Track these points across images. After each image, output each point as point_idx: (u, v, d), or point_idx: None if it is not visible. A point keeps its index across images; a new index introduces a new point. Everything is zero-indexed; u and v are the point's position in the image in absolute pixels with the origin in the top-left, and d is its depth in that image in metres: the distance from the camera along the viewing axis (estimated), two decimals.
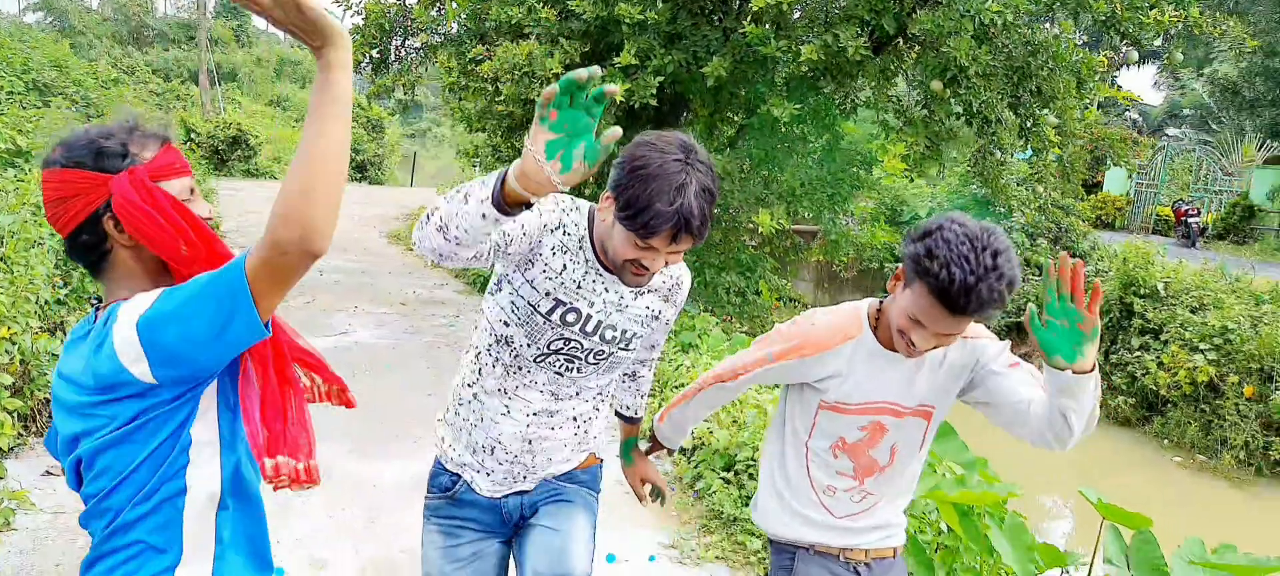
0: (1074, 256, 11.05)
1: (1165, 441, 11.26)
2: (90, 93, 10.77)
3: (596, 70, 1.32)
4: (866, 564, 1.98)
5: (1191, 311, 11.64)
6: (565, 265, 1.76)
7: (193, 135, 20.43)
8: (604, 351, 1.84)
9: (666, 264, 1.70)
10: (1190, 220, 18.77)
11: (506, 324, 1.80)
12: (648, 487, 2.22)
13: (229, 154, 21.19)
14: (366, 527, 3.74)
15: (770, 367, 1.90)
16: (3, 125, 6.92)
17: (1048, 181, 7.60)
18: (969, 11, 6.65)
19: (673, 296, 1.92)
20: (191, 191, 1.42)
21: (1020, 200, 8.72)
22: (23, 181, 6.21)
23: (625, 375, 2.15)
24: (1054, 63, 6.96)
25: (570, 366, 1.83)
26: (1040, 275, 16.21)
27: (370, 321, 8.03)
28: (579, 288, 1.77)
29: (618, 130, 1.36)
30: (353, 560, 3.43)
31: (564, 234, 1.76)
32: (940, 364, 1.85)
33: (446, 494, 1.94)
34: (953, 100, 7.01)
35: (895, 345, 1.79)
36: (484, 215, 1.47)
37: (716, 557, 3.76)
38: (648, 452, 2.27)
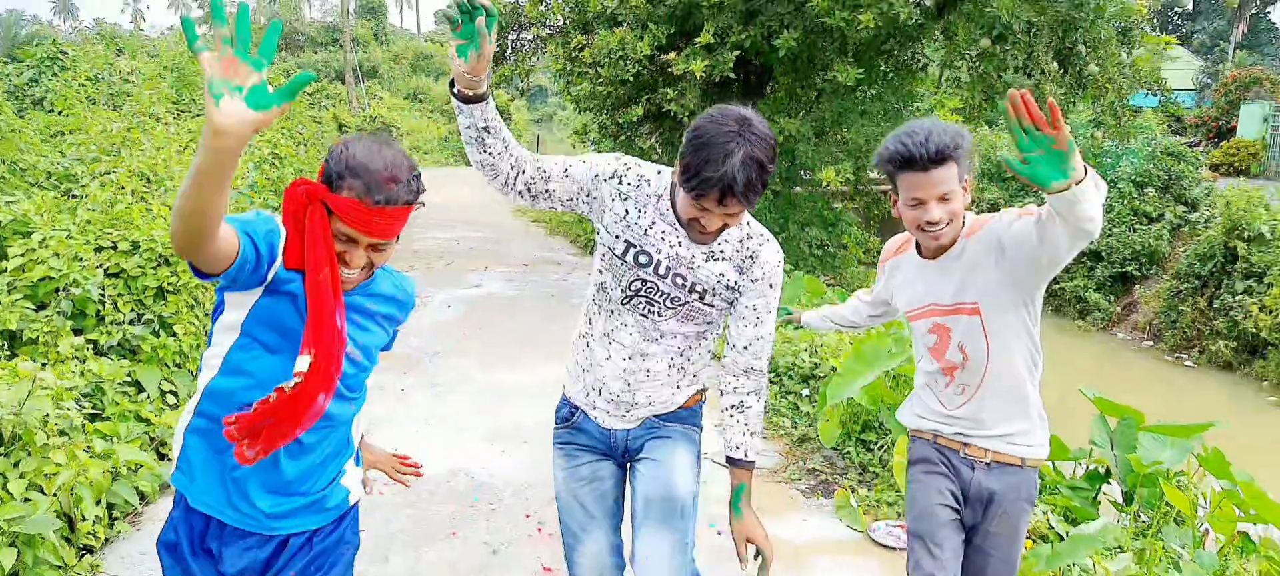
0: (1183, 204, 11.35)
1: (1264, 382, 11.24)
2: None
3: None
4: (986, 464, 2.11)
5: None
6: (627, 211, 1.97)
7: (343, 129, 22.76)
8: (679, 297, 1.98)
9: (725, 225, 1.88)
10: None
11: (601, 271, 2.06)
12: (751, 550, 2.04)
13: None
14: (493, 408, 5.05)
15: (879, 287, 2.32)
16: None
17: (1107, 126, 8.04)
18: None
19: (748, 269, 1.99)
20: (353, 243, 1.56)
21: (1090, 147, 9.05)
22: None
23: (731, 406, 2.08)
24: (1096, 13, 7.43)
25: (651, 308, 2.00)
26: (1150, 223, 15.58)
27: (499, 277, 9.46)
28: (646, 233, 1.96)
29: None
30: (483, 426, 4.73)
31: (620, 182, 1.98)
32: (959, 257, 2.05)
33: (567, 423, 2.18)
34: (1004, 55, 7.62)
35: (919, 245, 2.11)
36: (459, 112, 1.88)
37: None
38: (786, 322, 2.47)
